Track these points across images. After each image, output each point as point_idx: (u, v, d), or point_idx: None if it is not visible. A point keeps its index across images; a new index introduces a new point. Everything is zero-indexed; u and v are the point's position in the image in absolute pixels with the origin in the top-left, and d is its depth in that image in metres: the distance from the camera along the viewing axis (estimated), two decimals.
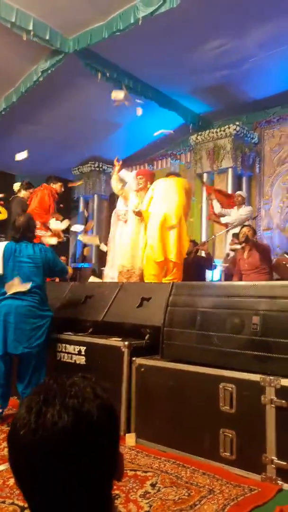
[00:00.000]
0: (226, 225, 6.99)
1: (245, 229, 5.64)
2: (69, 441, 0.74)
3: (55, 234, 5.41)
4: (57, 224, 5.38)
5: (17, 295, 3.36)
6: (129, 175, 5.71)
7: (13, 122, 8.37)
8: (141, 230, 5.10)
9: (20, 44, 6.30)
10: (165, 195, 4.88)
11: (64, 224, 5.40)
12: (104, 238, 10.93)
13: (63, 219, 5.55)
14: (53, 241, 4.92)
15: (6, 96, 7.74)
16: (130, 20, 5.78)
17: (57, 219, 5.56)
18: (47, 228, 5.51)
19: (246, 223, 6.20)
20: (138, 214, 5.07)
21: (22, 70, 7.23)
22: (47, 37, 6.27)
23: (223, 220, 6.95)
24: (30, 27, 6.02)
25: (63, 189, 5.97)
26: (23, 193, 6.16)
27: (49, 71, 6.98)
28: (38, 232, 5.49)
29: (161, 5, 5.45)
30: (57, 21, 6.24)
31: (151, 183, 5.22)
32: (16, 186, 6.37)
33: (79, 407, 0.77)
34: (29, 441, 0.74)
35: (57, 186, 5.84)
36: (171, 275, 4.73)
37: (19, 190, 6.25)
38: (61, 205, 7.25)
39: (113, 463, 0.82)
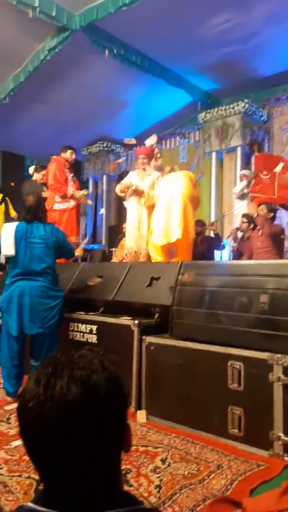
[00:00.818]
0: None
1: (260, 208, 5.64)
2: (77, 412, 0.75)
3: (79, 200, 5.59)
4: (77, 192, 5.59)
5: (30, 276, 3.40)
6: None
7: (21, 102, 8.32)
8: (143, 211, 5.10)
9: (26, 22, 6.22)
10: (171, 183, 4.96)
11: (84, 191, 5.67)
12: (114, 218, 10.92)
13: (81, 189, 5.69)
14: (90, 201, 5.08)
15: (14, 76, 7.69)
16: None
17: (74, 186, 5.68)
18: (70, 197, 5.58)
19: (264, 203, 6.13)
20: (138, 192, 5.04)
21: (29, 49, 7.15)
22: (53, 14, 6.19)
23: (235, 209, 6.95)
24: (36, 4, 5.94)
25: (74, 156, 5.85)
26: (35, 176, 6.18)
27: (56, 49, 6.90)
28: (61, 206, 5.56)
29: None
30: None
31: (150, 160, 5.34)
32: (31, 169, 6.41)
33: (87, 378, 0.78)
34: (38, 413, 0.75)
35: (67, 154, 5.75)
36: (178, 258, 4.75)
37: (33, 173, 6.27)
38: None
39: (121, 435, 0.83)
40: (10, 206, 7.51)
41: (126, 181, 5.21)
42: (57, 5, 6.20)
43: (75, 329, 3.60)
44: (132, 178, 5.21)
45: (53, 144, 9.69)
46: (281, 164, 6.33)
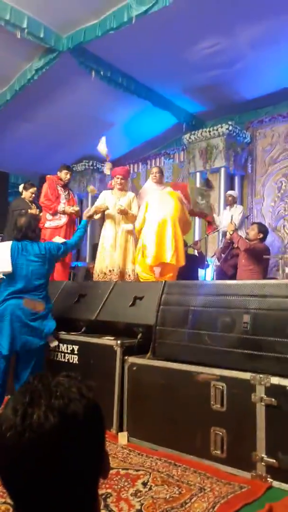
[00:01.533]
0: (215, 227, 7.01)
1: (250, 227, 5.76)
2: (55, 442, 0.74)
3: (70, 215, 5.60)
4: (69, 207, 5.58)
5: (23, 294, 3.39)
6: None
7: (7, 120, 8.34)
8: (119, 231, 5.13)
9: (14, 42, 6.28)
10: (161, 203, 4.98)
11: (75, 207, 5.70)
12: (98, 235, 10.90)
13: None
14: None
15: (0, 94, 7.72)
16: (123, 18, 5.78)
17: (69, 204, 5.69)
18: (62, 213, 5.57)
19: (255, 222, 6.26)
20: (124, 212, 5.07)
21: (16, 68, 7.20)
22: (41, 35, 6.25)
23: (220, 228, 6.98)
24: (24, 25, 6.00)
25: (68, 176, 5.87)
26: (24, 194, 6.17)
27: (44, 70, 6.96)
28: (51, 223, 5.54)
29: (154, 4, 5.46)
30: (51, 19, 6.23)
31: (126, 180, 5.43)
32: (21, 187, 6.38)
33: (64, 408, 0.77)
34: (16, 443, 0.74)
35: (61, 174, 5.78)
36: (167, 278, 4.76)
37: (22, 191, 6.26)
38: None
39: (99, 462, 0.83)
40: None
41: (100, 201, 5.22)
42: (45, 27, 6.28)
43: (56, 349, 3.55)
44: (107, 198, 5.20)
45: (39, 162, 9.75)
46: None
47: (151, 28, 6.20)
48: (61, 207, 5.58)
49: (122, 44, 6.53)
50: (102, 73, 7.17)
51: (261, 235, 5.64)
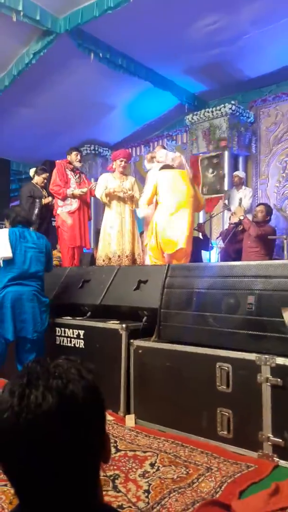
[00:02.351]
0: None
1: (258, 208, 5.66)
2: (53, 423, 0.72)
3: (79, 197, 5.48)
4: (77, 190, 5.47)
5: (23, 280, 3.40)
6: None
7: (6, 106, 8.26)
8: (126, 215, 5.09)
9: (10, 25, 6.17)
10: (174, 186, 4.78)
11: (83, 189, 5.52)
12: (100, 223, 10.89)
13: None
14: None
15: None
16: None
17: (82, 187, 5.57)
18: (71, 197, 5.47)
19: (261, 202, 6.16)
20: (132, 197, 5.06)
21: (14, 52, 7.09)
22: (38, 17, 6.13)
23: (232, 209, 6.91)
24: (20, 7, 5.88)
25: (79, 157, 5.70)
26: (36, 179, 6.07)
27: (41, 53, 6.85)
28: (63, 209, 5.45)
29: None
30: (46, 1, 6.11)
31: (128, 163, 5.29)
32: (32, 172, 6.26)
33: (63, 388, 0.75)
34: (13, 424, 0.73)
35: (71, 157, 5.63)
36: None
37: (33, 176, 6.16)
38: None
39: (99, 445, 0.81)
40: None
41: (102, 184, 5.16)
42: (41, 9, 6.16)
43: (62, 334, 3.57)
44: (109, 181, 5.14)
45: (40, 148, 9.68)
46: None
47: (150, 6, 6.06)
48: (69, 191, 5.46)
49: (121, 24, 6.40)
50: (101, 54, 7.05)
51: (268, 217, 5.62)
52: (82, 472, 0.77)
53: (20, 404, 0.73)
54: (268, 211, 5.64)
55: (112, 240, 5.02)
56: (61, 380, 0.76)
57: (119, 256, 4.95)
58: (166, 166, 5.10)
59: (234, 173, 7.48)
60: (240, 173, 7.57)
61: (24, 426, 0.72)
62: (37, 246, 3.51)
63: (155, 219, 4.78)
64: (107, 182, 5.13)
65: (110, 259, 4.99)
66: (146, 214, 5.24)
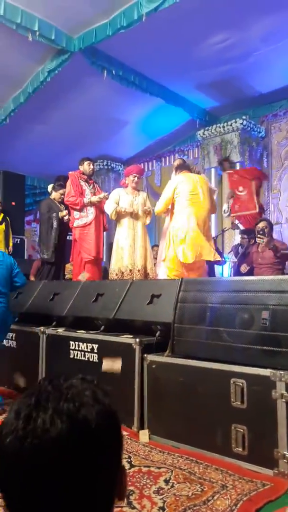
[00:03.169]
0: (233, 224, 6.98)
1: (261, 224, 5.61)
2: (62, 450, 0.65)
3: (97, 204, 5.48)
4: (94, 197, 5.47)
5: None
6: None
7: (21, 123, 8.43)
8: (139, 229, 5.13)
9: (26, 45, 6.33)
10: (197, 192, 4.78)
11: (101, 194, 5.52)
12: (113, 236, 10.98)
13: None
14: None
15: (14, 97, 7.80)
16: (133, 16, 5.78)
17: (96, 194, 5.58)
18: (89, 205, 5.46)
19: (262, 218, 6.12)
20: (144, 212, 5.14)
21: (29, 71, 7.27)
22: (53, 37, 6.29)
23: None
24: (36, 28, 6.05)
25: (92, 166, 5.66)
26: (53, 194, 6.10)
27: (56, 71, 7.02)
28: (79, 222, 5.44)
29: (163, 1, 5.45)
30: (61, 20, 6.27)
31: (141, 178, 5.35)
32: (50, 187, 6.30)
33: (75, 412, 0.68)
34: (16, 449, 0.65)
35: (84, 167, 5.60)
36: (195, 273, 4.71)
37: (51, 192, 6.20)
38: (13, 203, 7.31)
39: (113, 478, 0.72)
40: (10, 226, 7.54)
41: (113, 198, 5.21)
42: (56, 29, 6.32)
43: (76, 348, 3.58)
44: (121, 196, 5.20)
45: (54, 164, 9.81)
46: None
47: (162, 25, 6.18)
48: (86, 199, 5.43)
49: (133, 42, 6.53)
50: (114, 72, 7.19)
51: (272, 231, 5.68)
52: (93, 508, 0.69)
53: (25, 428, 0.66)
54: (271, 225, 5.67)
55: (125, 255, 5.06)
56: (73, 403, 0.69)
57: (130, 271, 4.98)
58: (185, 167, 5.11)
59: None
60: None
61: (28, 452, 0.65)
62: (3, 263, 3.67)
63: (173, 228, 4.72)
64: (119, 197, 5.19)
65: (122, 273, 5.03)
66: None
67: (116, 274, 5.07)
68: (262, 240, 5.08)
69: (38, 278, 6.42)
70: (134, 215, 5.16)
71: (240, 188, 6.44)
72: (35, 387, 0.74)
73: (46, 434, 0.65)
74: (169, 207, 4.91)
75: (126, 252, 5.06)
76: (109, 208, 5.19)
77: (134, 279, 4.82)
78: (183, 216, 4.69)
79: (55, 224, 5.81)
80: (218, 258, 4.79)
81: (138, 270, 5.01)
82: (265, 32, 6.57)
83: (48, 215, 5.87)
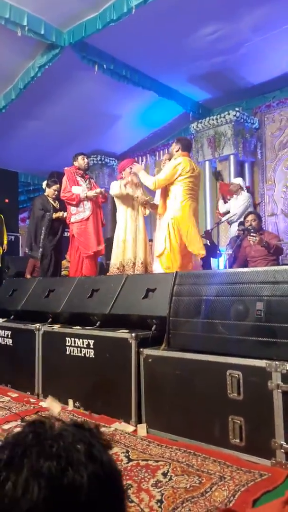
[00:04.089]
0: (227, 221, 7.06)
1: (249, 217, 5.60)
2: None
3: (94, 199, 5.44)
4: (90, 192, 5.43)
5: None
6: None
7: (13, 119, 8.39)
8: (140, 221, 5.11)
9: (16, 40, 6.29)
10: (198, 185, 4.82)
11: (97, 190, 5.50)
12: (110, 230, 10.98)
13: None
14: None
15: (5, 93, 7.75)
16: (123, 9, 5.74)
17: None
18: (86, 199, 5.43)
19: (250, 211, 6.16)
20: (145, 202, 5.11)
21: (20, 66, 7.22)
22: (42, 32, 6.25)
23: (227, 216, 6.96)
24: (25, 23, 6.00)
25: (86, 160, 5.63)
26: (47, 191, 6.07)
27: (47, 66, 6.97)
28: (76, 217, 5.39)
29: None
30: (51, 15, 6.22)
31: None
32: (44, 184, 6.27)
33: (59, 474, 0.50)
34: None
35: (78, 161, 5.58)
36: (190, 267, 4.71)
37: (45, 189, 6.17)
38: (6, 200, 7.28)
39: None
40: (3, 224, 7.51)
41: (117, 183, 5.21)
42: (45, 23, 6.27)
43: (72, 344, 3.58)
44: (121, 189, 5.20)
45: (47, 159, 9.78)
46: None
47: (152, 18, 6.15)
48: (82, 194, 5.42)
49: (124, 36, 6.49)
50: (105, 66, 7.16)
51: (261, 223, 5.71)
52: None
53: None
54: (260, 217, 5.68)
55: (127, 248, 5.03)
56: (57, 462, 0.51)
57: (134, 264, 4.96)
58: (188, 148, 4.99)
59: (231, 182, 7.54)
60: (237, 180, 7.58)
61: None
62: None
63: (170, 217, 4.61)
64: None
65: (124, 267, 5.01)
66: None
67: (118, 268, 5.04)
68: (254, 238, 5.06)
69: (37, 274, 6.41)
70: (136, 206, 5.15)
71: (228, 197, 7.10)
72: (14, 435, 0.56)
73: (16, 504, 0.48)
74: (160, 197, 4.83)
75: (129, 245, 5.04)
76: (115, 188, 5.13)
77: (136, 272, 4.82)
78: (186, 209, 4.63)
79: (46, 223, 5.77)
80: (203, 254, 4.75)
81: (142, 263, 4.99)
82: (256, 23, 6.54)
83: (41, 213, 5.84)
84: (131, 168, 5.21)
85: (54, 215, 5.82)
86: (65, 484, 0.50)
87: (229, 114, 8.23)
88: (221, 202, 7.44)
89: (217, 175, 8.40)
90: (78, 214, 5.44)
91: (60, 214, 5.80)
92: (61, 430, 0.56)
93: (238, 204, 6.99)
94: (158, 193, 5.29)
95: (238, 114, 8.20)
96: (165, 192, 4.73)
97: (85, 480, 0.51)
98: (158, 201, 5.14)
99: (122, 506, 0.56)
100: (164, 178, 4.63)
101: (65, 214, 5.71)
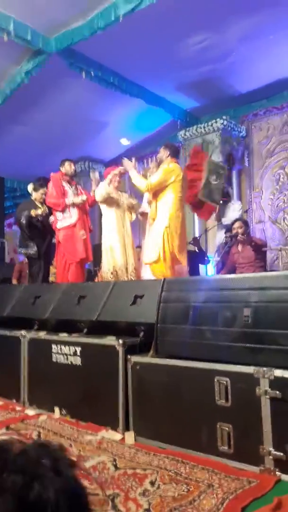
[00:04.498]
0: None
1: (236, 225, 5.64)
2: None
3: (81, 207, 5.40)
4: (76, 199, 5.40)
5: None
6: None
7: (0, 124, 8.34)
8: (127, 227, 5.11)
9: (2, 45, 6.25)
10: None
11: (83, 196, 5.48)
12: (98, 236, 10.92)
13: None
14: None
15: None
16: (110, 18, 5.76)
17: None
18: (72, 206, 5.39)
19: (236, 218, 6.20)
20: (131, 207, 5.16)
21: (6, 72, 7.18)
22: (29, 38, 6.22)
23: (224, 221, 6.96)
24: (11, 28, 5.97)
25: (73, 167, 5.63)
26: (34, 195, 5.93)
27: (33, 73, 6.95)
28: (63, 223, 5.34)
29: (140, 2, 5.44)
30: (37, 21, 6.21)
31: (121, 177, 5.35)
32: (30, 187, 6.12)
33: (24, 489, 0.48)
34: None
35: (65, 167, 5.55)
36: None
37: (31, 192, 6.05)
38: None
39: None
40: None
41: (102, 187, 5.19)
42: (32, 30, 6.25)
43: (59, 351, 3.53)
44: (106, 188, 5.18)
45: (34, 165, 9.73)
46: None
47: (140, 26, 6.17)
48: (68, 200, 5.37)
49: (111, 43, 6.50)
50: (92, 73, 7.15)
51: (248, 230, 5.77)
52: None
53: None
54: (246, 224, 5.74)
55: (117, 254, 5.00)
56: (22, 476, 0.49)
57: (126, 269, 4.93)
58: (177, 154, 4.98)
59: None
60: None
61: None
62: None
63: (165, 225, 4.59)
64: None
65: (117, 272, 4.97)
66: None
67: (112, 273, 5.00)
68: (243, 237, 5.12)
69: (24, 280, 6.34)
70: (122, 210, 5.14)
71: None
72: None
73: None
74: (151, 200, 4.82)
75: (118, 251, 5.01)
76: (99, 193, 5.10)
77: (130, 277, 4.80)
78: (179, 217, 4.66)
79: (25, 222, 5.65)
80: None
81: (135, 268, 4.97)
82: (243, 32, 6.60)
83: (25, 213, 5.71)
84: (115, 175, 5.21)
85: (33, 212, 5.64)
86: (31, 499, 0.47)
87: (216, 122, 8.29)
88: None
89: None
90: (64, 220, 5.39)
91: (39, 211, 5.64)
92: (25, 447, 0.54)
93: (234, 215, 7.03)
94: (145, 199, 5.29)
95: (225, 122, 8.26)
96: (156, 198, 4.73)
97: (52, 494, 0.49)
98: (145, 208, 5.14)
99: None
100: (157, 182, 4.63)
101: (44, 212, 5.63)
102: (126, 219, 5.17)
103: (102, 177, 9.52)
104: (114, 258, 5.02)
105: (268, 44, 6.82)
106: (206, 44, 6.84)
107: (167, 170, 4.64)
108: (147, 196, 5.13)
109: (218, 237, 7.11)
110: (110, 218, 5.14)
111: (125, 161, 4.97)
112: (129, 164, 4.94)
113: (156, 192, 4.67)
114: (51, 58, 6.74)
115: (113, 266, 5.00)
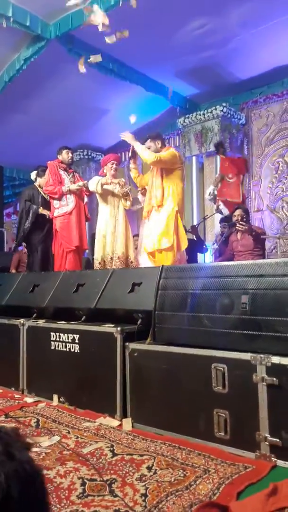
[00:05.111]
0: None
1: (237, 212, 5.63)
2: None
3: (76, 192, 5.40)
4: (72, 185, 5.41)
5: None
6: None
7: None
8: (120, 216, 5.08)
9: (0, 31, 6.19)
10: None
11: (80, 183, 5.48)
12: (95, 226, 10.88)
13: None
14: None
15: None
16: (110, 2, 5.69)
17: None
18: (69, 193, 5.39)
19: (237, 206, 6.17)
20: (126, 195, 5.13)
21: (4, 59, 7.12)
22: (28, 23, 6.16)
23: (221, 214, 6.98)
24: (10, 14, 5.91)
25: (70, 155, 5.63)
26: (38, 181, 5.94)
27: (32, 59, 6.88)
28: (60, 211, 5.36)
29: None
30: (36, 6, 6.14)
31: (119, 166, 5.32)
32: (33, 174, 6.13)
33: None
34: None
35: (62, 155, 5.57)
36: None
37: (35, 178, 6.06)
38: None
39: None
40: None
41: (96, 178, 5.18)
42: (31, 15, 6.18)
43: (57, 339, 3.55)
44: (97, 187, 5.16)
45: (33, 154, 9.68)
46: None
47: (139, 11, 6.07)
48: (65, 188, 5.38)
49: (110, 29, 6.41)
50: None
51: (248, 218, 5.76)
52: None
53: None
54: (247, 211, 5.73)
55: (107, 243, 5.02)
56: None
57: (111, 258, 4.95)
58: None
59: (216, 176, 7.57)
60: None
61: None
62: None
63: (176, 209, 4.54)
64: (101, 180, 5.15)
65: (104, 261, 4.99)
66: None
67: (99, 263, 5.04)
68: (243, 227, 5.09)
69: (23, 269, 6.33)
70: (116, 198, 5.12)
71: (230, 175, 6.81)
72: None
73: None
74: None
75: (108, 240, 5.03)
76: (92, 184, 5.11)
77: (113, 267, 4.79)
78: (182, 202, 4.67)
79: (30, 217, 5.68)
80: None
81: (118, 257, 4.97)
82: (244, 18, 6.53)
83: (28, 204, 5.74)
84: (112, 163, 5.19)
85: (40, 211, 5.72)
86: None
87: (216, 109, 8.23)
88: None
89: (217, 147, 7.94)
90: (61, 208, 5.42)
91: (46, 212, 5.71)
92: None
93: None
94: (143, 196, 5.22)
95: (225, 109, 8.20)
96: (161, 184, 4.64)
97: (2, 479, 0.48)
98: (140, 197, 5.11)
99: (45, 508, 0.53)
100: (166, 158, 4.55)
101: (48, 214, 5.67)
102: (120, 207, 5.15)
103: (99, 166, 9.50)
104: (103, 247, 5.04)
105: (269, 30, 6.76)
106: (206, 30, 6.77)
107: (173, 152, 4.61)
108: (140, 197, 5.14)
109: (217, 226, 7.11)
110: (103, 207, 5.16)
111: (126, 134, 4.86)
112: (131, 137, 4.84)
113: (161, 179, 4.62)
114: (50, 44, 6.67)
115: (101, 256, 5.01)
